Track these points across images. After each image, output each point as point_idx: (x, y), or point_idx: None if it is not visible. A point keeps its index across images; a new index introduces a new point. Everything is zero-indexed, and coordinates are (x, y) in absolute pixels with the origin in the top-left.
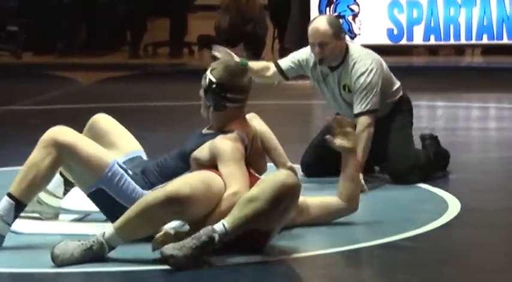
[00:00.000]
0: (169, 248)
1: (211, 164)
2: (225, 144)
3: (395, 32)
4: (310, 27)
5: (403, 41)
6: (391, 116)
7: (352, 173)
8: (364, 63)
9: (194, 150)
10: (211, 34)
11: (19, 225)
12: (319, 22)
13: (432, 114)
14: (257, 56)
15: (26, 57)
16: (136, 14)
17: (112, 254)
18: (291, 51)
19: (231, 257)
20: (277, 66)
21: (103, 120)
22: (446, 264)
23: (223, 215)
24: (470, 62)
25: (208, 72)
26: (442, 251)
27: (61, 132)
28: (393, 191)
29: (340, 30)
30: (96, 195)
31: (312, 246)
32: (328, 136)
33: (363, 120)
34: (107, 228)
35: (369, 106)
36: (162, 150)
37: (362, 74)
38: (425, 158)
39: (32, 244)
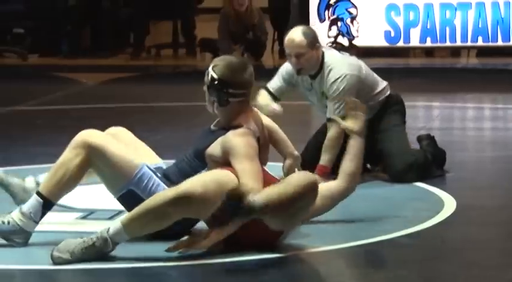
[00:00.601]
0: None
1: (225, 160)
2: (237, 140)
3: (392, 34)
4: (286, 39)
5: (400, 43)
6: (383, 116)
7: (355, 153)
8: (338, 70)
9: (207, 146)
10: (213, 37)
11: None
12: (294, 33)
13: (429, 115)
14: (258, 58)
15: (31, 59)
16: (139, 17)
17: (113, 252)
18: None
19: (237, 255)
20: (267, 90)
21: (125, 134)
22: (443, 260)
23: None
24: (465, 64)
25: (210, 69)
26: (439, 248)
27: (92, 135)
28: (391, 190)
29: (315, 40)
30: (126, 198)
31: (310, 243)
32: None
33: (334, 126)
34: (112, 224)
35: (340, 112)
36: (165, 150)
37: (335, 80)
38: (422, 157)
39: (35, 241)
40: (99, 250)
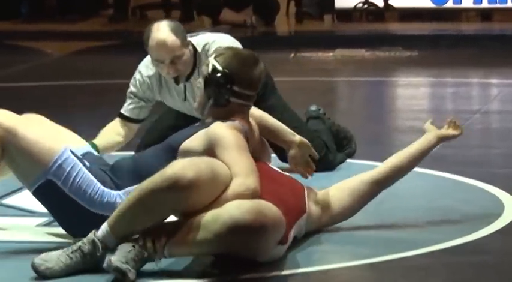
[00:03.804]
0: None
1: (208, 155)
2: (225, 130)
3: None
4: (154, 43)
5: (450, 4)
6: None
7: (421, 155)
8: (221, 42)
9: (184, 140)
10: None
11: None
12: (161, 33)
13: (485, 94)
14: (270, 23)
15: None
16: None
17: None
18: (311, 16)
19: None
20: (121, 116)
21: (42, 119)
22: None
23: None
24: None
25: (212, 58)
26: (499, 263)
27: (2, 114)
28: (431, 186)
29: (185, 34)
30: (43, 191)
31: (333, 257)
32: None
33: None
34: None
35: None
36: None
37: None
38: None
39: None
40: (89, 256)
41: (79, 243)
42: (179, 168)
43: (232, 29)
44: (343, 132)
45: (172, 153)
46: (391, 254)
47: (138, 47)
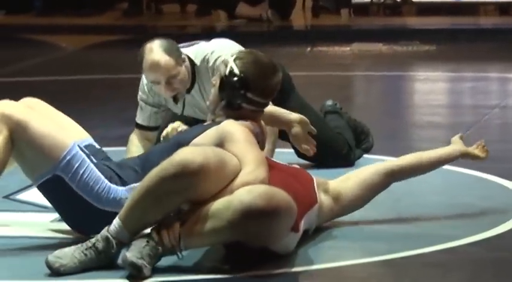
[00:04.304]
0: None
1: None
2: (235, 126)
3: None
4: (148, 65)
5: None
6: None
7: (440, 162)
8: (220, 50)
9: (194, 137)
10: None
11: None
12: (154, 55)
13: (504, 89)
14: (286, 17)
15: None
16: None
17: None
18: (327, 10)
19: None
20: (138, 126)
21: (44, 106)
22: None
23: None
24: None
25: (231, 60)
26: None
27: (10, 106)
28: (452, 188)
29: (179, 51)
30: (49, 185)
31: (347, 253)
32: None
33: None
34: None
35: None
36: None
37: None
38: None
39: (10, 250)
40: (103, 253)
41: (93, 240)
42: (187, 153)
43: (247, 23)
44: (360, 127)
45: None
46: (408, 250)
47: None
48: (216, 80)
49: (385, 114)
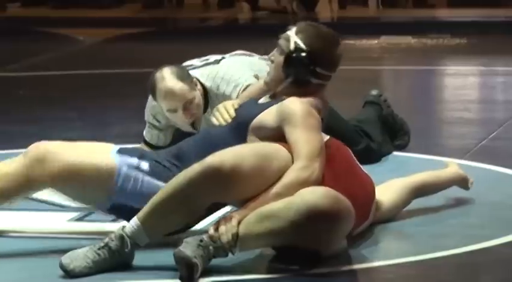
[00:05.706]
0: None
1: (278, 133)
2: (298, 106)
3: None
4: (162, 94)
5: None
6: None
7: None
8: (231, 84)
9: (255, 117)
10: None
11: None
12: (167, 82)
13: None
14: (311, 9)
15: (11, 9)
16: None
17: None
18: (354, 1)
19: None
20: (146, 143)
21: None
22: None
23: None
24: None
25: (293, 35)
26: None
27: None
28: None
29: (190, 77)
30: (113, 211)
31: (377, 254)
32: None
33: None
34: (128, 223)
35: None
36: None
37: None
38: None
39: (26, 250)
40: (117, 253)
41: (106, 240)
42: (218, 156)
43: (271, 15)
44: (400, 124)
45: (244, 130)
46: (438, 251)
47: (173, 35)
48: (275, 56)
49: (414, 110)
